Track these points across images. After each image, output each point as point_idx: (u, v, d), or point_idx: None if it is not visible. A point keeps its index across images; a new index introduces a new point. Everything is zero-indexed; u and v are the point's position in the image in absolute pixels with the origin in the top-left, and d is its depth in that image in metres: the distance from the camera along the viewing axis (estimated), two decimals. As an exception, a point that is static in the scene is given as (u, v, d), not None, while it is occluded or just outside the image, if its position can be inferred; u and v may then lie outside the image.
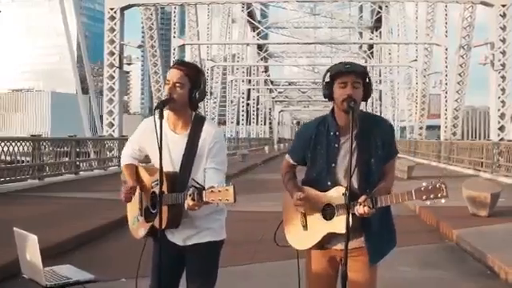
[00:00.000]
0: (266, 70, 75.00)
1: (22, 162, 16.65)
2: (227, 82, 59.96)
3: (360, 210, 3.38)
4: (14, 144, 15.97)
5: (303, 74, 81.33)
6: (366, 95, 3.61)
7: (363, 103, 3.75)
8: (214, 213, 3.67)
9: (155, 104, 3.61)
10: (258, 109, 76.77)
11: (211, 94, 50.49)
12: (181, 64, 3.66)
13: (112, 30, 25.06)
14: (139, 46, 26.74)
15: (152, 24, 33.34)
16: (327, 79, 3.61)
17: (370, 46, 66.84)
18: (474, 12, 29.59)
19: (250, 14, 62.09)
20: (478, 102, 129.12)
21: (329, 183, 3.57)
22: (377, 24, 63.61)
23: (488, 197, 11.28)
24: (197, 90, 3.59)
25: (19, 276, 6.16)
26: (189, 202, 3.30)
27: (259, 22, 65.22)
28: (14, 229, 3.94)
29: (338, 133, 3.61)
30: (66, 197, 13.89)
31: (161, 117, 3.50)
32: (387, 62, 58.20)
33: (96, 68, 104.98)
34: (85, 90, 28.43)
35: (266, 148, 54.78)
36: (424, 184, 3.33)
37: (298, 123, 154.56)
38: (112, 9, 24.98)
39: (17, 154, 16.10)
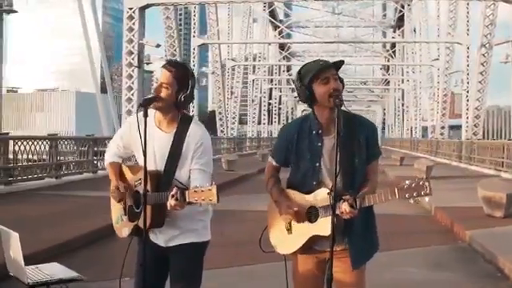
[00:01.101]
0: (289, 69, 74.83)
1: (40, 160, 16.77)
2: (248, 82, 59.92)
3: (342, 207, 3.30)
4: (30, 143, 16.06)
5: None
6: (343, 87, 3.55)
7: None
8: (197, 214, 3.61)
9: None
10: (279, 108, 76.71)
11: (232, 93, 50.55)
12: (170, 64, 3.61)
13: (131, 29, 25.13)
14: (157, 46, 26.78)
15: (171, 23, 33.42)
16: (302, 82, 3.49)
17: (393, 45, 66.41)
18: (495, 10, 29.19)
19: (272, 14, 61.99)
20: (503, 101, 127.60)
21: (314, 183, 3.50)
22: (399, 23, 63.18)
23: (504, 197, 11.08)
24: (183, 93, 3.55)
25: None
26: (171, 201, 3.26)
27: (281, 21, 65.08)
28: (0, 226, 3.91)
29: (320, 131, 3.54)
30: (82, 195, 13.94)
31: (145, 115, 3.47)
32: (410, 61, 57.77)
33: (120, 68, 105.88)
34: (104, 90, 28.58)
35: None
36: (407, 182, 3.24)
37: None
38: (131, 8, 25.05)
39: (41, 153, 16.26)
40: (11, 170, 15.11)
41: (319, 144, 3.53)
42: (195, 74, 17.23)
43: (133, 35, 25.06)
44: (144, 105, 3.49)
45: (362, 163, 3.54)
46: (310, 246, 3.55)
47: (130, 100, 25.43)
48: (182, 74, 3.56)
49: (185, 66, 3.69)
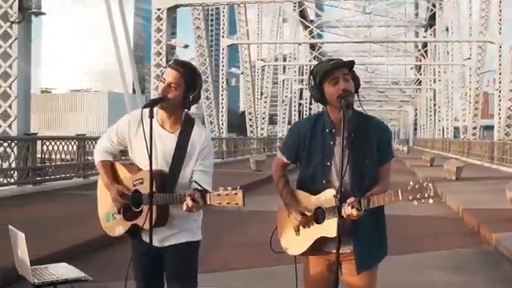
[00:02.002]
0: (319, 69, 74.58)
1: (68, 160, 16.95)
2: (278, 82, 59.83)
3: (347, 211, 3.25)
4: (58, 143, 16.24)
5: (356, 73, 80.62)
6: (357, 87, 3.49)
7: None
8: (191, 214, 3.55)
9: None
10: (310, 108, 76.44)
11: (261, 93, 50.56)
12: (178, 64, 3.58)
13: (159, 30, 25.29)
14: (185, 46, 26.92)
15: (200, 24, 33.54)
16: (315, 82, 3.46)
17: (424, 45, 65.71)
18: (529, 8, 28.70)
19: (302, 13, 61.82)
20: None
21: (323, 181, 3.46)
22: (431, 22, 62.47)
23: (532, 199, 10.88)
24: (192, 93, 3.53)
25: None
26: (188, 202, 3.24)
27: (311, 21, 64.86)
28: (9, 226, 3.94)
29: (333, 130, 3.49)
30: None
31: (151, 116, 3.45)
32: (441, 61, 57.14)
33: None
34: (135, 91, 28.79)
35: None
36: (411, 183, 3.18)
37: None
38: (159, 9, 25.20)
39: (69, 153, 16.45)
40: (39, 169, 15.28)
41: (331, 143, 3.49)
42: (224, 74, 17.19)
43: (161, 36, 25.22)
44: (150, 105, 3.47)
45: (372, 165, 3.49)
46: (319, 247, 3.51)
47: (159, 100, 25.60)
48: (189, 74, 3.53)
49: (192, 66, 3.65)
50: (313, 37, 61.67)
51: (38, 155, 15.30)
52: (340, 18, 64.57)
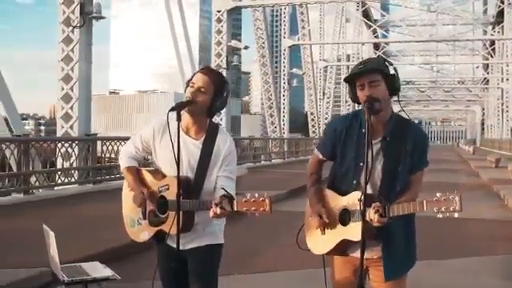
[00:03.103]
0: (383, 69, 73.61)
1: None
2: (341, 82, 59.30)
3: (371, 215, 3.20)
4: (118, 143, 16.61)
5: (420, 72, 79.14)
6: (393, 88, 3.39)
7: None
8: (216, 223, 3.63)
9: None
10: (374, 108, 75.56)
11: (324, 94, 50.34)
12: (208, 70, 3.63)
13: (219, 31, 25.58)
14: (245, 48, 27.06)
15: (260, 25, 33.67)
16: (349, 84, 3.46)
17: (492, 43, 63.95)
18: None
19: (366, 13, 61.23)
20: None
21: (354, 182, 3.40)
22: (498, 19, 60.72)
23: None
24: (219, 99, 3.54)
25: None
26: (216, 210, 3.25)
27: (375, 20, 64.14)
28: (43, 225, 4.09)
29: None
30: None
31: (178, 119, 3.44)
32: (510, 59, 55.46)
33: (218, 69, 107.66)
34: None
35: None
36: (438, 195, 3.09)
37: (420, 123, 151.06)
38: (219, 11, 25.50)
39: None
40: (99, 169, 15.69)
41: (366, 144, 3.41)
42: (285, 75, 17.24)
43: (221, 37, 25.50)
44: (177, 108, 3.46)
45: (405, 171, 3.41)
46: (343, 249, 3.48)
47: (218, 101, 25.88)
48: (219, 81, 3.56)
49: (220, 73, 3.70)
50: (376, 36, 60.95)
51: (99, 155, 15.73)
52: (404, 17, 63.59)
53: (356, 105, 3.55)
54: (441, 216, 3.08)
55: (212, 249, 3.65)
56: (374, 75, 3.35)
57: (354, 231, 3.33)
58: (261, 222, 11.86)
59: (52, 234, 3.87)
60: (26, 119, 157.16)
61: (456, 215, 3.05)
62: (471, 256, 8.65)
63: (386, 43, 64.72)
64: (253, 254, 8.34)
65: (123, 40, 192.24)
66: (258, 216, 3.25)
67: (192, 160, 3.57)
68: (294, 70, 40.28)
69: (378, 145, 3.42)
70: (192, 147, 3.58)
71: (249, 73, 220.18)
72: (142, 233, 3.64)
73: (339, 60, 55.59)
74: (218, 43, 25.63)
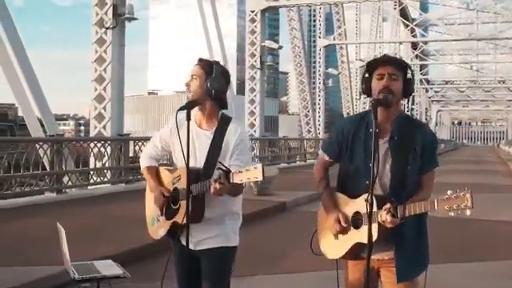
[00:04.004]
0: (422, 68, 72.74)
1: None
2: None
3: (383, 216, 3.17)
4: (145, 143, 16.69)
5: (460, 72, 77.91)
6: (407, 91, 3.41)
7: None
8: (227, 218, 3.67)
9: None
10: (412, 109, 74.79)
11: (360, 94, 49.76)
12: (198, 60, 3.76)
13: (253, 32, 25.60)
14: (279, 48, 27.05)
15: (295, 25, 33.59)
16: (368, 73, 3.46)
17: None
18: None
19: (403, 12, 60.50)
20: None
21: (366, 182, 3.32)
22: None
23: None
24: (209, 78, 3.62)
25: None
26: (216, 185, 3.30)
27: (413, 19, 63.36)
28: (57, 223, 4.14)
29: (377, 130, 3.33)
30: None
31: (188, 118, 3.54)
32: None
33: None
34: (240, 91, 29.29)
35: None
36: (448, 192, 3.05)
37: (460, 123, 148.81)
38: (253, 11, 25.53)
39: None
40: (131, 169, 15.82)
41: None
42: (321, 75, 17.15)
43: (255, 37, 25.54)
44: (186, 108, 3.57)
45: (414, 172, 3.38)
46: (357, 252, 3.45)
47: (252, 101, 25.96)
48: (207, 66, 3.66)
49: (210, 60, 3.77)
50: (414, 36, 60.18)
51: (131, 155, 15.87)
52: (442, 15, 62.69)
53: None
54: (452, 214, 3.04)
55: (224, 251, 3.68)
56: (396, 69, 3.38)
57: (366, 234, 3.28)
58: (291, 223, 11.87)
59: (63, 231, 3.92)
60: (66, 119, 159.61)
61: (468, 212, 3.01)
62: (494, 260, 8.49)
63: (424, 42, 63.87)
64: (281, 255, 8.32)
65: (161, 41, 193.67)
66: (251, 183, 3.25)
67: (204, 150, 3.64)
68: (330, 70, 40.05)
69: (386, 144, 3.40)
70: (204, 138, 3.66)
71: (287, 73, 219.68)
72: (160, 229, 3.71)
73: (376, 60, 54.96)
74: (252, 43, 25.65)
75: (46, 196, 12.78)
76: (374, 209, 3.23)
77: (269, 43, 26.18)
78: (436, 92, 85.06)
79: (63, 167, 13.21)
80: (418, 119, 3.63)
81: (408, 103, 71.62)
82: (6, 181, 11.92)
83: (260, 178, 3.20)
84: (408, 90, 3.41)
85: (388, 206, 3.17)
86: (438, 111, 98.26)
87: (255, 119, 26.05)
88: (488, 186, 19.67)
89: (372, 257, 3.35)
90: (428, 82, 79.15)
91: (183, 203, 3.50)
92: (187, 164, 3.45)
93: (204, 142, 3.65)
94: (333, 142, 3.61)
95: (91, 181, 14.39)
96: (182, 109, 3.58)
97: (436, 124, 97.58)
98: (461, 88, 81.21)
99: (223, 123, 3.67)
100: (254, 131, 25.98)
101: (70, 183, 13.48)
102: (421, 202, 3.15)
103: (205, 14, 23.49)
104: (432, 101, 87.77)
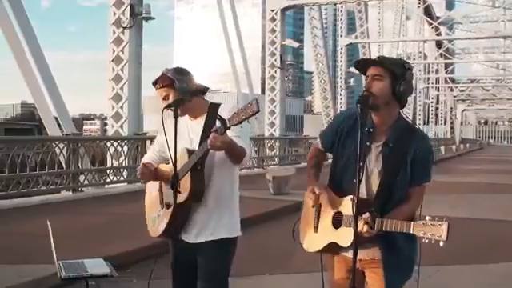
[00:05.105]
0: (446, 67, 71.98)
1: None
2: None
3: (360, 226, 3.11)
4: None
5: (485, 70, 76.97)
6: (397, 90, 3.26)
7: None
8: (226, 205, 3.69)
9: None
10: (437, 108, 74.15)
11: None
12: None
13: (273, 31, 25.57)
14: (299, 47, 27.00)
15: (316, 23, 33.46)
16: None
17: None
18: None
19: (427, 10, 59.91)
20: None
21: (354, 180, 3.22)
22: None
23: None
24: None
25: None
26: (211, 136, 3.30)
27: (437, 18, 62.74)
28: (47, 222, 4.15)
29: (371, 129, 3.34)
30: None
31: (175, 116, 3.59)
32: None
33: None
34: (263, 91, 29.45)
35: (443, 149, 52.55)
36: (427, 218, 3.01)
37: (486, 122, 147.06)
38: (273, 10, 25.51)
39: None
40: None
41: (367, 143, 3.33)
42: (342, 74, 17.21)
43: (275, 37, 25.52)
44: (174, 106, 3.61)
45: (403, 183, 3.28)
46: (332, 251, 3.43)
47: (272, 101, 25.94)
48: (176, 72, 3.73)
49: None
50: (438, 34, 59.58)
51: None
52: (467, 13, 61.97)
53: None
54: (426, 241, 2.99)
55: (224, 243, 3.67)
56: (379, 69, 3.27)
57: (342, 236, 3.27)
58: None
59: (50, 230, 3.93)
60: (93, 119, 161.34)
61: (441, 244, 2.96)
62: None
63: (449, 41, 63.24)
64: (292, 255, 8.25)
65: (186, 41, 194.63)
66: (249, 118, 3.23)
67: (197, 139, 3.67)
68: (352, 69, 39.86)
69: (379, 149, 3.33)
70: (197, 127, 3.71)
71: (311, 72, 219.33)
72: (160, 225, 3.70)
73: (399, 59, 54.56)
74: (272, 42, 25.61)
75: (61, 194, 12.88)
76: (351, 212, 3.17)
77: (289, 42, 26.15)
78: (461, 91, 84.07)
79: (79, 166, 13.29)
80: (419, 129, 3.43)
81: (432, 103, 71.03)
82: (21, 179, 11.99)
83: (255, 110, 3.20)
84: (398, 89, 3.26)
85: (367, 215, 3.11)
86: (464, 110, 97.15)
87: (275, 118, 26.01)
88: (506, 186, 19.48)
89: (347, 254, 3.36)
90: (453, 80, 78.32)
91: (182, 182, 3.53)
92: (175, 165, 3.50)
93: (197, 129, 3.69)
94: (328, 132, 3.59)
95: (108, 180, 14.45)
96: (167, 107, 3.60)
97: (461, 123, 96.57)
98: (487, 87, 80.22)
99: (213, 109, 3.70)
100: (274, 130, 25.94)
101: (86, 182, 13.56)
102: (398, 221, 3.09)
103: (224, 14, 23.51)
104: (457, 100, 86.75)
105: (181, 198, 3.54)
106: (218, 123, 3.31)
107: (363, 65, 3.38)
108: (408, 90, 3.31)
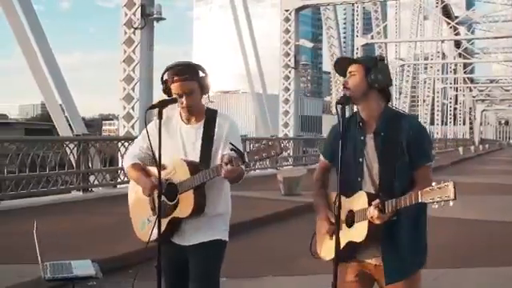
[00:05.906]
0: (465, 66, 71.37)
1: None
2: (420, 81, 58.16)
3: (370, 212, 3.13)
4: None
5: (505, 70, 76.15)
6: (370, 80, 3.31)
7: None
8: (219, 210, 3.69)
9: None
10: (455, 108, 73.55)
11: (400, 93, 49.41)
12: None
13: (287, 31, 25.51)
14: (313, 47, 26.92)
15: (332, 23, 33.39)
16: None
17: None
18: None
19: (446, 10, 59.48)
20: None
21: (359, 179, 3.34)
22: None
23: None
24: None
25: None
26: (226, 167, 3.27)
27: (456, 17, 62.28)
28: (35, 222, 4.13)
29: (361, 124, 3.39)
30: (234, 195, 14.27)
31: (160, 117, 3.53)
32: None
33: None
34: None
35: (461, 149, 52.11)
36: (433, 184, 3.01)
37: (507, 123, 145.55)
38: (287, 10, 25.45)
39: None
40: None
41: (362, 138, 3.38)
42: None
43: (289, 37, 25.48)
44: (158, 106, 3.55)
45: (404, 167, 3.28)
46: (350, 252, 3.37)
47: (286, 101, 25.88)
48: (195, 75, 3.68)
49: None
50: (457, 34, 59.17)
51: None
52: (486, 13, 61.46)
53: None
54: (436, 206, 2.99)
55: (216, 244, 3.67)
56: (354, 66, 3.38)
57: (357, 232, 3.28)
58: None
59: (35, 231, 3.92)
60: (112, 119, 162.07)
61: (451, 204, 2.96)
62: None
63: (467, 40, 62.73)
64: (299, 256, 8.22)
65: (205, 41, 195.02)
66: (269, 158, 3.28)
67: (196, 145, 3.65)
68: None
69: (372, 141, 3.35)
70: (191, 133, 3.68)
71: (329, 72, 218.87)
72: (153, 231, 3.56)
73: (417, 59, 54.35)
74: (286, 42, 25.54)
75: (72, 194, 12.94)
76: (365, 206, 3.20)
77: (302, 42, 26.06)
78: (480, 91, 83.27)
79: (90, 166, 13.34)
80: (406, 113, 3.55)
81: (450, 103, 70.45)
82: (32, 178, 12.06)
83: (278, 152, 3.24)
84: (370, 78, 3.31)
85: (376, 201, 3.14)
86: (483, 111, 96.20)
87: (289, 119, 25.94)
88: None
89: (368, 260, 3.37)
90: (472, 80, 77.64)
91: (183, 196, 3.50)
92: (159, 166, 3.45)
93: (193, 135, 3.66)
94: (327, 144, 3.64)
95: (118, 180, 14.48)
96: (151, 107, 3.57)
97: (481, 124, 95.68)
98: (506, 87, 79.37)
99: (210, 116, 3.69)
100: (288, 131, 25.87)
101: (96, 182, 13.60)
102: (406, 195, 3.10)
103: (237, 15, 23.54)
104: (476, 100, 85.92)
105: (183, 213, 3.54)
106: (231, 152, 3.28)
107: (343, 66, 3.45)
108: (383, 78, 3.36)
